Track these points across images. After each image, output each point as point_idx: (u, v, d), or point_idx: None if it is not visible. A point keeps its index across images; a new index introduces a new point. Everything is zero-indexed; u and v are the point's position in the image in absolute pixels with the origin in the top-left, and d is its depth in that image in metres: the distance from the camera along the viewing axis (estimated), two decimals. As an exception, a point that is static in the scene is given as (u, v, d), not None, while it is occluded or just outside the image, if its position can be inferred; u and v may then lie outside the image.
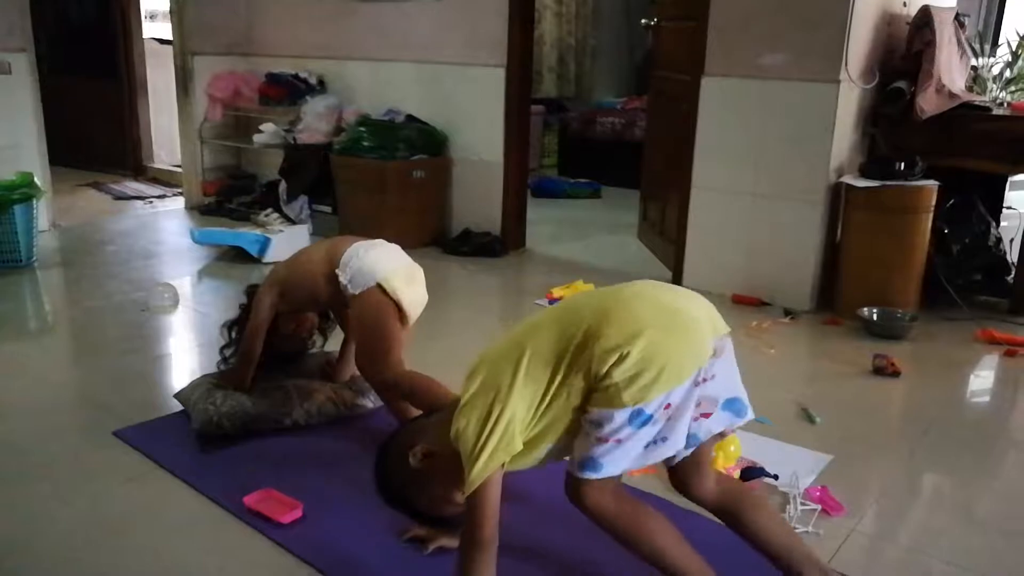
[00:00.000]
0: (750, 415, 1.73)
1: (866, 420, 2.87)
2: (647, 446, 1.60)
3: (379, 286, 2.41)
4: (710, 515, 1.97)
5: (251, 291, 2.70)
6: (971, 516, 2.29)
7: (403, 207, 4.92)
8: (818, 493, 2.27)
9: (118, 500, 2.23)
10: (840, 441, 2.62)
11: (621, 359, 1.56)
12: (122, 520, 2.14)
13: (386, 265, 2.46)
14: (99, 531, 2.09)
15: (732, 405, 1.70)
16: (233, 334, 2.72)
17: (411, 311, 2.48)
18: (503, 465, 1.62)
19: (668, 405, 1.58)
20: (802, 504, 2.22)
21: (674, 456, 1.68)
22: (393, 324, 2.44)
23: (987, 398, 3.24)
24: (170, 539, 2.06)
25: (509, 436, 1.59)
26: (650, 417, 1.57)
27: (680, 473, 1.76)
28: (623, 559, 1.99)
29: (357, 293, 2.43)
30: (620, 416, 1.56)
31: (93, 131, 7.41)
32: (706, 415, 1.66)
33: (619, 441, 1.57)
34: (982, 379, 3.39)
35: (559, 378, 1.62)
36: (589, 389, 1.60)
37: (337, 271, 2.46)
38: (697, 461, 1.74)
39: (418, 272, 2.55)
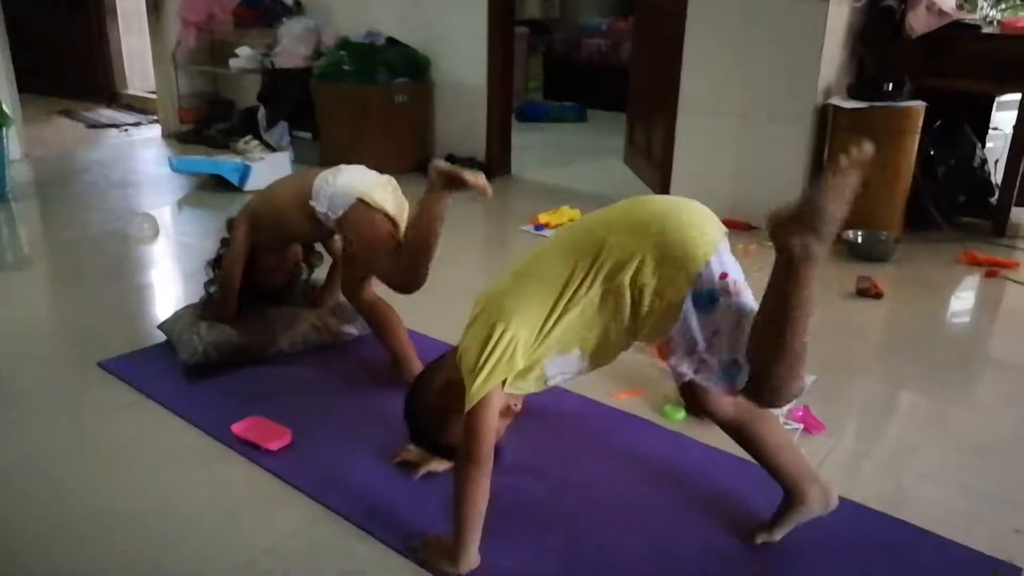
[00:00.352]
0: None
1: (848, 341, 2.90)
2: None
3: (361, 201, 2.36)
4: (694, 436, 2.00)
5: (232, 225, 2.66)
6: (947, 431, 2.33)
7: (385, 132, 4.85)
8: (800, 413, 2.30)
9: (106, 431, 2.24)
10: (823, 362, 2.64)
11: (642, 263, 1.57)
12: (111, 450, 2.14)
13: (361, 181, 2.41)
14: (89, 461, 2.10)
15: None
16: (216, 271, 2.69)
17: (400, 218, 2.41)
18: (504, 384, 1.62)
19: (724, 274, 1.57)
20: (785, 424, 2.25)
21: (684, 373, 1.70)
22: (389, 233, 2.37)
23: (967, 318, 3.28)
24: (160, 468, 2.07)
25: (510, 354, 1.60)
26: (712, 292, 1.55)
27: (696, 388, 1.74)
28: (619, 479, 2.03)
29: (341, 215, 2.37)
30: (686, 314, 1.56)
31: (62, 57, 7.20)
32: None
33: (716, 332, 1.57)
34: (963, 300, 3.42)
35: (568, 295, 1.61)
36: (633, 327, 1.61)
37: (311, 202, 2.40)
38: None
39: (393, 182, 2.48)
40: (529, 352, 1.63)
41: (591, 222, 1.73)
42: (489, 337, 1.60)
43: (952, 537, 1.83)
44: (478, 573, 1.68)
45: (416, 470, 1.99)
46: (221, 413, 2.25)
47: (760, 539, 1.79)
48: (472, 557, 1.67)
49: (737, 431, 1.79)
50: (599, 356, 1.71)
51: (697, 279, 1.55)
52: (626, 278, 1.58)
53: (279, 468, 2.04)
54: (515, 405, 1.78)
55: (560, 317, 1.62)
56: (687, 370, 1.63)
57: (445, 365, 1.77)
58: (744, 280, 1.61)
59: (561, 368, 1.69)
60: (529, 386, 1.70)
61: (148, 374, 2.50)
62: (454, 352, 1.74)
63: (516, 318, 1.61)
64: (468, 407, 1.60)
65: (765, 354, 1.50)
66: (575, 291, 1.61)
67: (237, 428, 2.17)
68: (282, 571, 1.71)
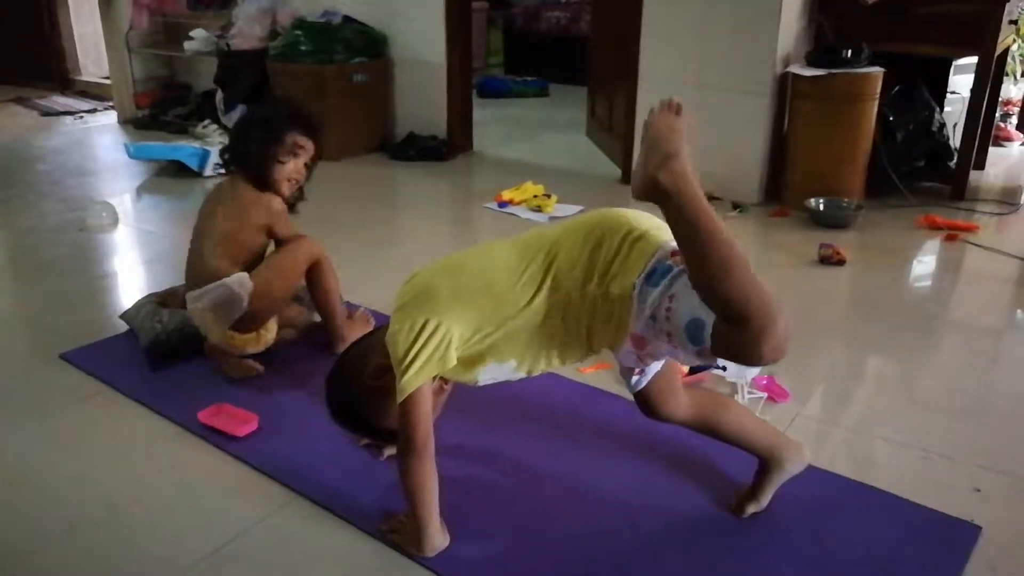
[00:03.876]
0: None
1: (812, 309, 2.93)
2: None
3: None
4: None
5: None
6: (912, 395, 2.37)
7: (345, 113, 4.78)
8: (764, 382, 2.32)
9: (70, 422, 2.20)
10: (787, 330, 2.67)
11: (593, 264, 1.56)
12: (75, 441, 2.11)
13: None
14: (53, 453, 2.07)
15: None
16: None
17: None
18: (435, 378, 1.62)
19: (675, 253, 1.51)
20: (749, 393, 2.27)
21: (639, 380, 1.71)
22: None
23: (928, 282, 3.32)
24: (126, 458, 2.04)
25: (443, 351, 1.58)
26: (668, 267, 1.50)
27: (651, 396, 1.75)
28: (586, 454, 2.03)
29: None
30: (641, 294, 1.51)
31: (13, 43, 7.02)
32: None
33: (672, 296, 1.47)
34: (924, 264, 3.46)
35: (513, 307, 1.58)
36: (586, 335, 1.60)
37: None
38: (667, 378, 1.75)
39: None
40: (463, 348, 1.61)
41: (546, 230, 1.69)
42: (421, 329, 1.56)
43: (915, 499, 1.85)
44: (446, 557, 1.67)
45: (381, 452, 1.99)
46: (186, 401, 2.22)
47: (750, 510, 1.80)
48: (436, 539, 1.67)
49: (701, 427, 1.81)
50: (538, 367, 1.69)
51: (653, 259, 1.52)
52: (577, 284, 1.56)
53: (246, 454, 2.02)
54: (449, 382, 1.76)
55: (501, 325, 1.59)
56: (665, 351, 1.57)
57: (373, 349, 1.72)
58: None
59: (493, 375, 1.69)
60: (466, 379, 1.69)
61: (111, 364, 2.47)
62: (381, 331, 1.71)
63: (450, 315, 1.58)
64: (400, 400, 1.58)
65: (708, 278, 1.35)
66: (521, 302, 1.59)
67: (203, 415, 2.15)
68: (252, 557, 1.70)
